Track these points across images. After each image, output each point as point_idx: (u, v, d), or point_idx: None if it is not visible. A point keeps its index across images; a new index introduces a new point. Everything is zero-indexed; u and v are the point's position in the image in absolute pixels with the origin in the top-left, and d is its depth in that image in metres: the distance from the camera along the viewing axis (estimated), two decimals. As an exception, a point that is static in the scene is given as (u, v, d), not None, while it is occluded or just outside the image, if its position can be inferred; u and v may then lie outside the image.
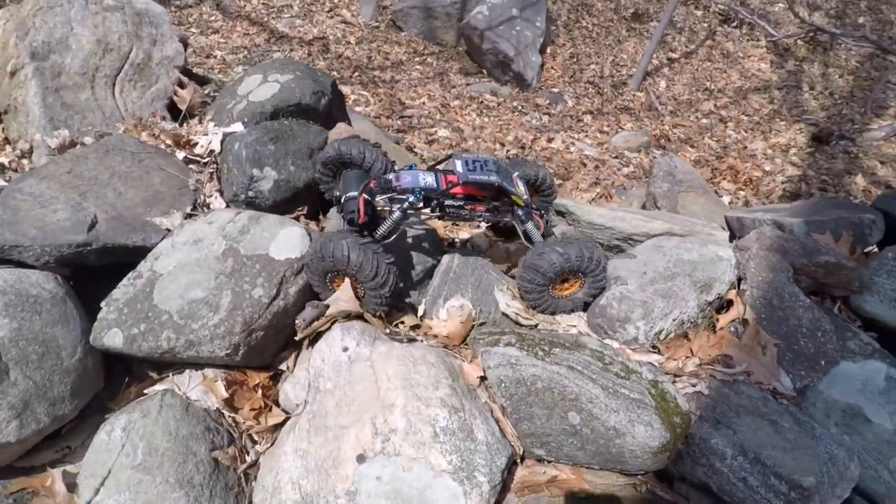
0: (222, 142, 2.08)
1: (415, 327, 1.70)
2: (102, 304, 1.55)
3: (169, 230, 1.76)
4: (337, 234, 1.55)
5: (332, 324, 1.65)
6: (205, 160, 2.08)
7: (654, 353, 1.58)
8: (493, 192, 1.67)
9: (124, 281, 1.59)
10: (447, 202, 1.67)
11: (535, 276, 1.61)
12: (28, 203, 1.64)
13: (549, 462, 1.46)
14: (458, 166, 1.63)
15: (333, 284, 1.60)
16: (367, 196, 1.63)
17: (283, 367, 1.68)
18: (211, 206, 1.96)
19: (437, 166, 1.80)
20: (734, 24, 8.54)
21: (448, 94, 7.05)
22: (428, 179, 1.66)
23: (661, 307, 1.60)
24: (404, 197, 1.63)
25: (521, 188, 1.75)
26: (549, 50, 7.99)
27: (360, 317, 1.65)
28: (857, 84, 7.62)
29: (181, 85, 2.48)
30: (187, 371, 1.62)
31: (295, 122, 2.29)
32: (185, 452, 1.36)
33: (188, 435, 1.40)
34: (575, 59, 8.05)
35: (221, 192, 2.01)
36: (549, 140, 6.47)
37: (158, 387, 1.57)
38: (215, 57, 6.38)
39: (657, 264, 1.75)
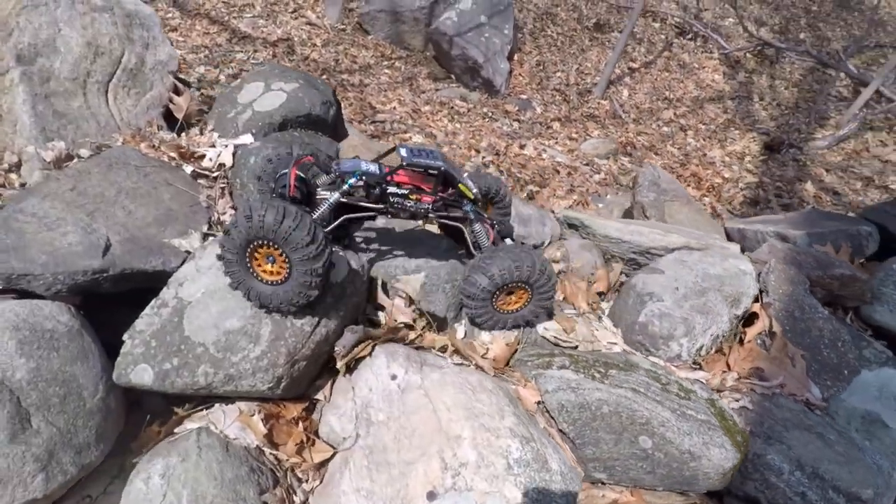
0: (234, 154, 1.96)
1: (443, 349, 1.66)
2: (125, 336, 1.42)
3: (189, 252, 1.64)
4: (265, 198, 1.37)
5: (373, 349, 1.59)
6: (214, 174, 1.96)
7: (698, 369, 1.60)
8: (440, 180, 1.58)
9: (147, 310, 1.47)
10: (390, 190, 1.57)
11: (480, 282, 1.52)
12: (33, 225, 1.49)
13: (604, 484, 1.45)
14: (403, 152, 1.56)
15: (254, 262, 1.37)
16: (299, 172, 1.52)
17: (319, 396, 1.59)
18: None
19: (381, 160, 1.68)
20: (689, 36, 8.93)
21: (418, 100, 7.00)
22: (370, 166, 1.57)
23: (701, 323, 1.63)
24: (344, 181, 1.52)
25: (470, 184, 1.66)
26: (516, 57, 8.08)
27: (401, 340, 1.60)
28: (802, 96, 8.13)
29: (176, 91, 2.34)
30: (217, 406, 1.51)
31: (305, 133, 2.20)
32: (234, 498, 1.27)
33: (234, 478, 1.30)
34: (541, 67, 8.19)
35: (235, 209, 1.89)
36: (522, 147, 6.54)
37: (189, 424, 1.46)
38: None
39: (686, 279, 1.78)
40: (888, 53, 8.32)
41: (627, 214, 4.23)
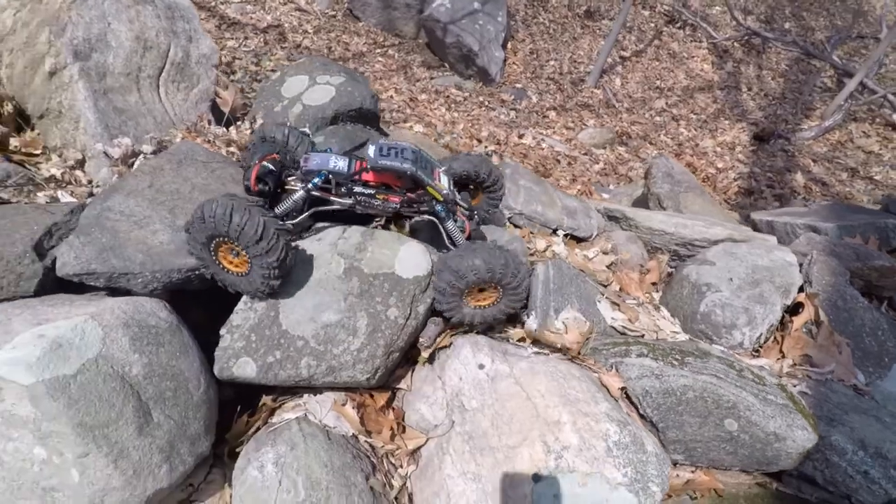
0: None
1: (521, 340, 1.74)
2: (223, 331, 1.46)
3: (269, 248, 1.66)
4: (224, 195, 1.38)
5: (451, 339, 1.65)
6: (275, 169, 1.98)
7: (758, 357, 1.71)
8: (408, 181, 1.59)
9: (241, 305, 1.50)
10: (356, 189, 1.59)
11: (452, 279, 1.51)
12: (124, 224, 1.50)
13: (676, 465, 1.55)
14: (370, 151, 1.54)
15: (218, 254, 1.43)
16: (267, 165, 1.56)
17: (402, 385, 1.65)
18: (294, 220, 1.87)
19: (355, 151, 1.71)
20: (678, 25, 9.05)
21: (414, 88, 6.97)
22: (339, 164, 1.58)
23: (760, 313, 1.73)
24: (310, 178, 1.56)
25: (442, 182, 1.65)
26: (509, 45, 8.09)
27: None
28: (788, 86, 8.35)
29: (220, 85, 2.33)
30: (307, 396, 1.56)
31: (356, 126, 2.22)
32: (346, 484, 1.32)
33: (342, 465, 1.36)
34: (535, 56, 8.22)
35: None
36: (520, 136, 6.58)
37: (283, 415, 1.50)
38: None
39: (738, 270, 1.89)
40: (869, 45, 8.59)
41: (637, 204, 4.34)
